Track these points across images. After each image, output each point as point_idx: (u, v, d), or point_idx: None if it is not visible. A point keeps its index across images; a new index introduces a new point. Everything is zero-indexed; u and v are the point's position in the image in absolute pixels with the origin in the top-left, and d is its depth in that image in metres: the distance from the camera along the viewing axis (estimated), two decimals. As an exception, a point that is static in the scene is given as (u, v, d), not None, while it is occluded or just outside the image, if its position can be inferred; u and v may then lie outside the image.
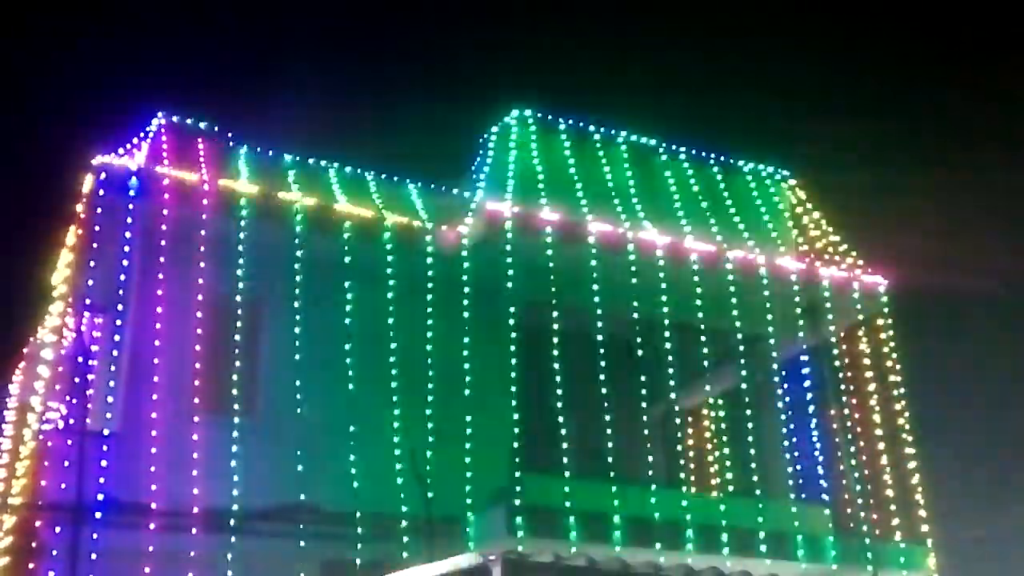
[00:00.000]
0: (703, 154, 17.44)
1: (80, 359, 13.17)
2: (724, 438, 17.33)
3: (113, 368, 13.46)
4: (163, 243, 13.80)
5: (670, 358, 15.38)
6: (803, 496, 15.99)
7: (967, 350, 25.88)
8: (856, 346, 16.94)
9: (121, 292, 13.62)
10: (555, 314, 14.73)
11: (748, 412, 16.20)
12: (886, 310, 16.93)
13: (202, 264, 13.87)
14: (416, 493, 13.66)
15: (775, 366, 16.91)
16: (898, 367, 16.64)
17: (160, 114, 15.32)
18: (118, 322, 13.74)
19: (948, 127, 32.12)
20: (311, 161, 15.99)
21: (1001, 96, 31.28)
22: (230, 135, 15.54)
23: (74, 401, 12.95)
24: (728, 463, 17.17)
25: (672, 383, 15.40)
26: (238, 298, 14.01)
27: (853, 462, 16.07)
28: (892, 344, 16.75)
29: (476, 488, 14.00)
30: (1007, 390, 26.21)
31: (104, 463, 12.67)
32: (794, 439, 16.45)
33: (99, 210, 13.70)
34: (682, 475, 17.24)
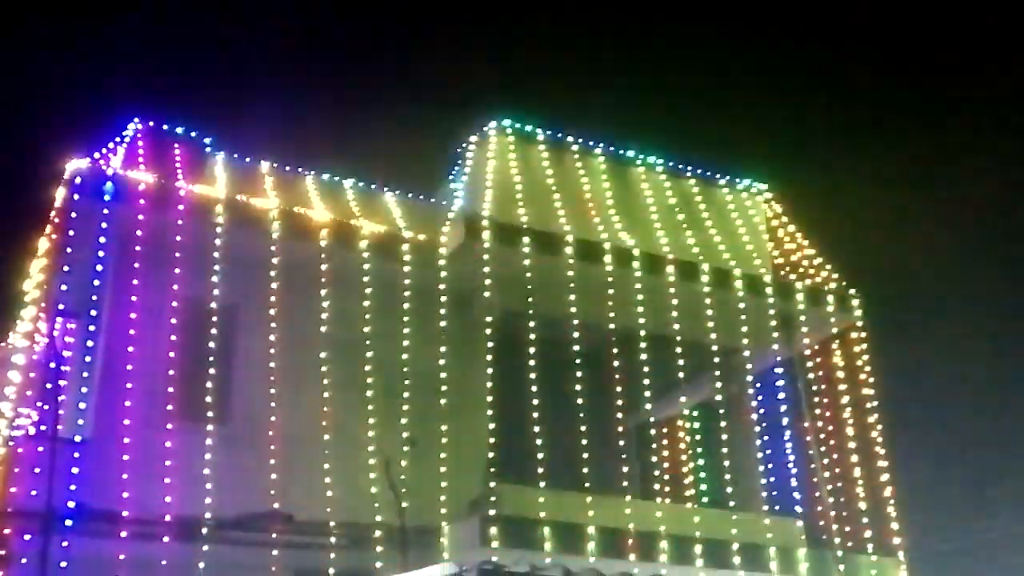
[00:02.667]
0: (680, 166, 17.53)
1: (52, 364, 13.03)
2: (698, 449, 17.39)
3: (85, 374, 13.34)
4: (138, 249, 13.69)
5: (645, 369, 15.42)
6: (776, 508, 16.06)
7: (941, 363, 26.07)
8: (830, 359, 17.05)
9: (95, 297, 13.52)
10: (531, 324, 14.75)
11: (722, 424, 16.27)
12: (860, 323, 17.05)
13: (177, 270, 13.78)
14: (390, 502, 13.61)
15: (749, 378, 16.99)
16: (871, 380, 16.76)
17: (136, 119, 15.23)
18: (91, 328, 13.64)
19: (923, 139, 32.41)
20: (288, 167, 15.93)
21: (979, 109, 31.63)
22: (207, 141, 15.46)
23: (46, 407, 12.81)
24: (702, 474, 17.25)
25: (647, 394, 15.44)
26: (213, 305, 13.93)
27: (826, 474, 16.16)
28: (865, 357, 16.87)
29: (451, 498, 13.97)
30: (981, 403, 26.42)
31: (75, 470, 12.54)
32: (768, 451, 16.53)
33: (74, 215, 13.58)
34: (656, 486, 17.26)
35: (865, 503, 16.00)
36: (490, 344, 14.57)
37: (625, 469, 15.26)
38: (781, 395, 16.69)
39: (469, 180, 16.31)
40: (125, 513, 12.63)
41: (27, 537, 12.19)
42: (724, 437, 16.12)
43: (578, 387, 14.70)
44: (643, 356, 15.41)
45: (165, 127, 15.22)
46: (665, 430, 18.32)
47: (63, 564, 12.08)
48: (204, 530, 12.88)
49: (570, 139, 16.88)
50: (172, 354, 13.60)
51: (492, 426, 14.09)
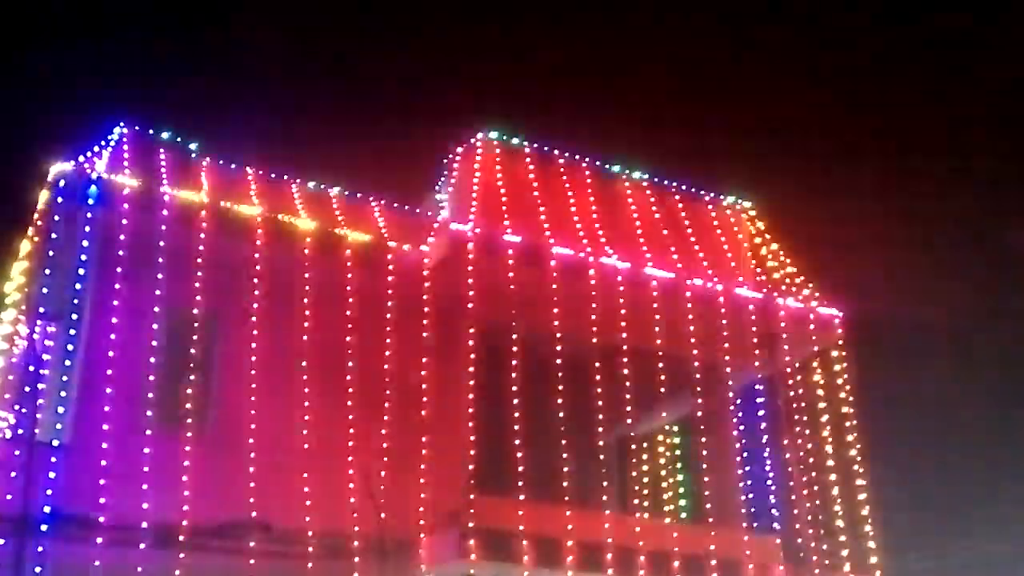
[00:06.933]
0: (665, 182, 17.57)
1: (31, 368, 12.99)
2: (678, 465, 17.40)
3: (65, 378, 13.28)
4: (120, 253, 13.65)
5: (627, 383, 15.43)
6: (754, 525, 16.08)
7: (920, 384, 26.16)
8: (810, 377, 17.08)
9: (76, 301, 13.48)
10: (514, 336, 14.73)
11: (702, 440, 16.28)
12: (841, 342, 17.10)
13: (159, 275, 13.73)
14: (369, 512, 13.56)
15: (730, 394, 17.01)
16: (851, 399, 16.81)
17: (122, 123, 15.18)
18: (71, 331, 13.55)
19: (905, 158, 32.57)
20: (273, 174, 15.91)
21: (961, 125, 31.83)
22: (192, 146, 15.43)
23: (23, 410, 12.75)
24: (681, 490, 17.26)
25: (628, 408, 15.45)
26: (195, 311, 13.87)
27: (805, 492, 16.19)
28: (846, 376, 16.93)
29: (429, 509, 13.95)
30: (959, 424, 26.54)
31: (52, 474, 12.48)
32: (747, 468, 16.55)
33: (57, 218, 13.55)
34: (636, 501, 17.28)
35: (843, 521, 16.04)
36: (472, 356, 14.55)
37: (605, 483, 15.28)
38: (761, 412, 16.72)
39: (455, 191, 16.31)
40: (102, 519, 12.57)
41: (1, 541, 12.11)
42: (704, 453, 16.13)
43: (559, 400, 14.69)
44: (625, 370, 15.42)
45: (151, 132, 15.18)
46: (645, 445, 18.33)
47: (38, 569, 12.03)
48: (181, 538, 12.80)
49: (556, 152, 16.90)
50: (153, 359, 13.55)
51: (472, 438, 14.06)
